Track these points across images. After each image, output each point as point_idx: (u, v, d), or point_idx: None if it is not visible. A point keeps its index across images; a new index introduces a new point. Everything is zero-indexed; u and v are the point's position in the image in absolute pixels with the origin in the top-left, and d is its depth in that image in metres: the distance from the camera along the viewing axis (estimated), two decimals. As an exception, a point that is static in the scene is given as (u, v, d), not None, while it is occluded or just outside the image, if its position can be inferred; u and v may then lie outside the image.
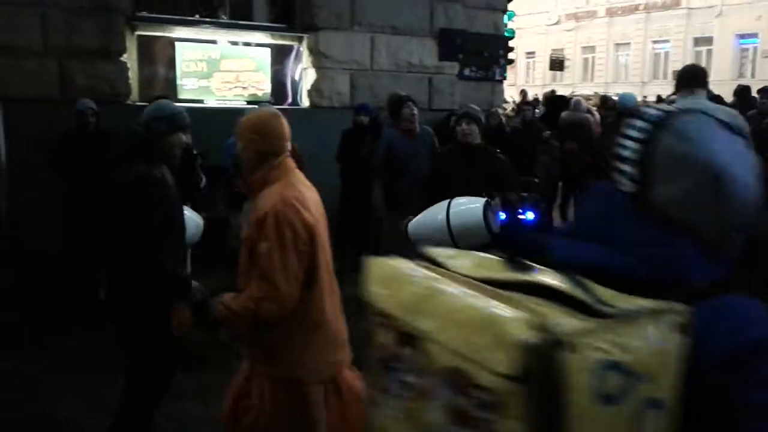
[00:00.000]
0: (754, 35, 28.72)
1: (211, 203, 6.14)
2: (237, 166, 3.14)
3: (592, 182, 8.16)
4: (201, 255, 4.75)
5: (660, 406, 0.87)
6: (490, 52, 8.94)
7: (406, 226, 4.12)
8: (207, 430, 3.43)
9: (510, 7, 11.46)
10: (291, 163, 2.56)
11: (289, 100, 7.92)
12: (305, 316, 2.46)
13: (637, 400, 0.84)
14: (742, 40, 29.47)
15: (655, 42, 33.86)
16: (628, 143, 1.09)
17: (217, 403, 2.73)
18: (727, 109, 1.33)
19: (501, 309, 0.84)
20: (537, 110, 10.96)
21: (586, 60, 37.56)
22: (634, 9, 34.48)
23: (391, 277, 1.06)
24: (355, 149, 6.13)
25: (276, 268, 2.33)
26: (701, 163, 1.02)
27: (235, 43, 7.61)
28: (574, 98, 9.85)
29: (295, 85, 7.99)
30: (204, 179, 5.18)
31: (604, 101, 11.77)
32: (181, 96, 7.03)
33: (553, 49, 36.83)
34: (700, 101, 2.91)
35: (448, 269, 1.03)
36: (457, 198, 3.95)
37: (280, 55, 7.89)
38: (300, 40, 7.84)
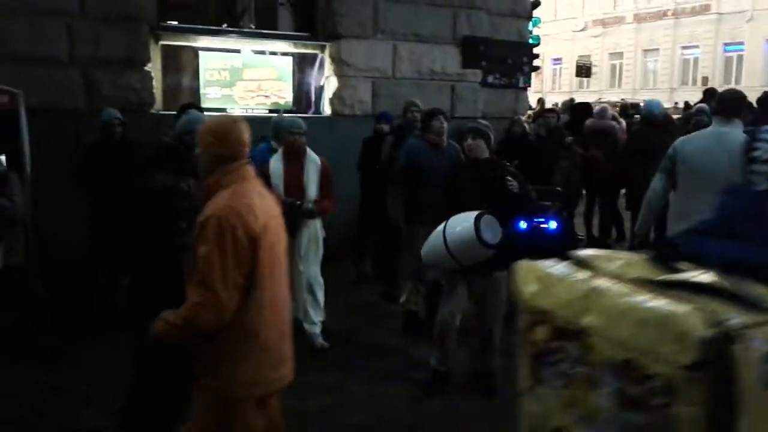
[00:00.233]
0: (787, 40, 28.25)
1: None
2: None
3: (616, 190, 8.08)
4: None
5: None
6: (513, 60, 8.87)
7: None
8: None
9: (535, 13, 11.39)
10: (249, 171, 2.52)
11: (312, 108, 7.94)
12: (242, 324, 2.38)
13: None
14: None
15: (684, 48, 33.46)
16: (764, 145, 1.23)
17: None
18: None
19: (674, 306, 0.97)
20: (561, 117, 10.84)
21: (613, 66, 37.23)
22: (663, 14, 34.12)
23: (545, 277, 1.19)
24: (375, 157, 6.11)
25: (215, 273, 2.28)
26: None
27: (261, 53, 7.65)
28: (600, 105, 9.72)
29: (318, 94, 8.01)
30: None
31: (624, 109, 11.61)
32: (204, 105, 7.08)
33: (580, 56, 36.61)
34: None
35: (597, 269, 1.15)
36: (453, 218, 3.97)
37: (302, 64, 7.92)
38: (322, 48, 7.85)
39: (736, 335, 0.90)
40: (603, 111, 8.65)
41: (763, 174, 1.20)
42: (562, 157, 7.14)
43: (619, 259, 1.19)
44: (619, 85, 35.89)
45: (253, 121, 6.60)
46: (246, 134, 2.52)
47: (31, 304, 5.12)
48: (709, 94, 8.56)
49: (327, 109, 7.86)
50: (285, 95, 7.65)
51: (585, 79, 35.50)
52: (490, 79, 8.68)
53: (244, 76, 7.46)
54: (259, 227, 2.37)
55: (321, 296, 4.98)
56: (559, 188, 6.40)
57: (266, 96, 7.56)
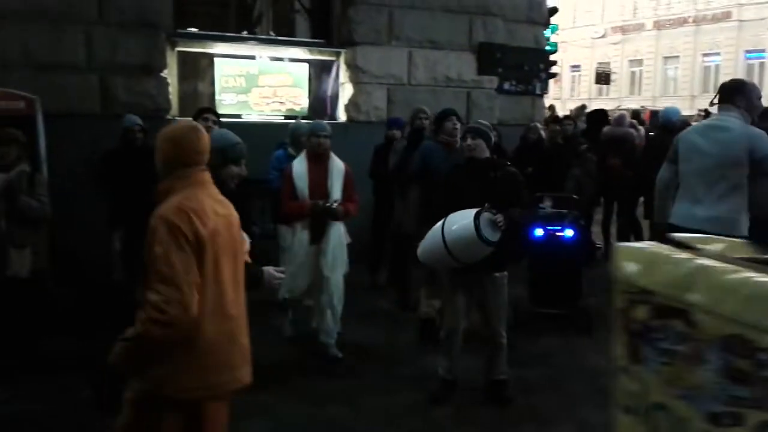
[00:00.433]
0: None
1: (247, 216, 6.14)
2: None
3: (634, 198, 7.97)
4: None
5: None
6: (530, 66, 8.82)
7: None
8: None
9: (554, 20, 11.33)
10: (205, 177, 2.51)
11: (327, 115, 7.94)
12: None
13: None
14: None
15: (705, 55, 33.16)
16: None
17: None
18: None
19: None
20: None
21: (633, 73, 36.98)
22: (683, 22, 33.87)
23: (648, 257, 1.23)
24: (386, 164, 6.08)
25: (175, 269, 2.25)
26: None
27: (277, 59, 7.67)
28: (618, 113, 9.62)
29: (333, 100, 8.01)
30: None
31: (636, 115, 11.47)
32: (220, 111, 7.08)
33: (599, 63, 36.41)
34: None
35: (700, 250, 1.19)
36: (451, 216, 3.93)
37: (317, 70, 7.93)
38: (338, 55, 7.86)
39: None
40: (621, 118, 8.56)
41: None
42: (574, 165, 7.05)
43: (719, 242, 1.24)
44: (639, 93, 35.63)
45: (268, 127, 6.61)
46: (203, 141, 2.51)
47: (52, 308, 5.12)
48: None
49: (342, 116, 7.86)
50: (300, 102, 7.66)
51: (604, 87, 35.27)
52: (506, 85, 8.64)
53: (260, 83, 7.48)
54: (207, 231, 2.36)
55: (340, 307, 4.92)
56: (575, 196, 6.33)
57: (281, 102, 7.58)
